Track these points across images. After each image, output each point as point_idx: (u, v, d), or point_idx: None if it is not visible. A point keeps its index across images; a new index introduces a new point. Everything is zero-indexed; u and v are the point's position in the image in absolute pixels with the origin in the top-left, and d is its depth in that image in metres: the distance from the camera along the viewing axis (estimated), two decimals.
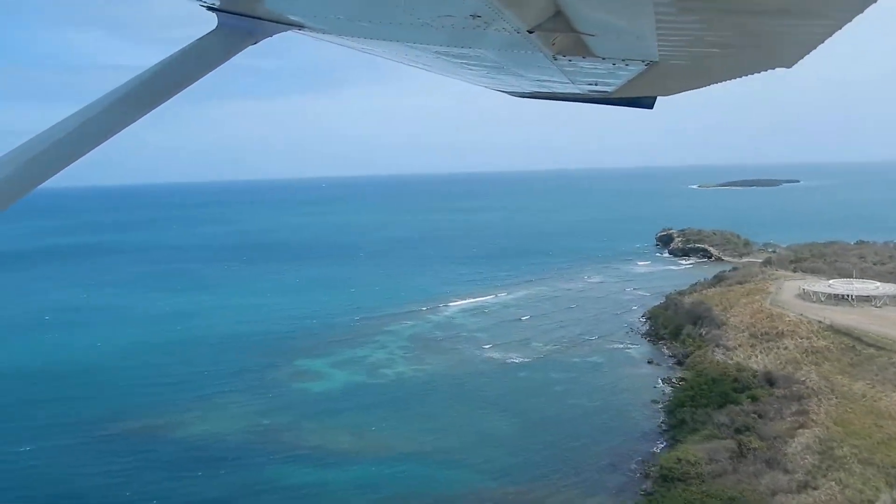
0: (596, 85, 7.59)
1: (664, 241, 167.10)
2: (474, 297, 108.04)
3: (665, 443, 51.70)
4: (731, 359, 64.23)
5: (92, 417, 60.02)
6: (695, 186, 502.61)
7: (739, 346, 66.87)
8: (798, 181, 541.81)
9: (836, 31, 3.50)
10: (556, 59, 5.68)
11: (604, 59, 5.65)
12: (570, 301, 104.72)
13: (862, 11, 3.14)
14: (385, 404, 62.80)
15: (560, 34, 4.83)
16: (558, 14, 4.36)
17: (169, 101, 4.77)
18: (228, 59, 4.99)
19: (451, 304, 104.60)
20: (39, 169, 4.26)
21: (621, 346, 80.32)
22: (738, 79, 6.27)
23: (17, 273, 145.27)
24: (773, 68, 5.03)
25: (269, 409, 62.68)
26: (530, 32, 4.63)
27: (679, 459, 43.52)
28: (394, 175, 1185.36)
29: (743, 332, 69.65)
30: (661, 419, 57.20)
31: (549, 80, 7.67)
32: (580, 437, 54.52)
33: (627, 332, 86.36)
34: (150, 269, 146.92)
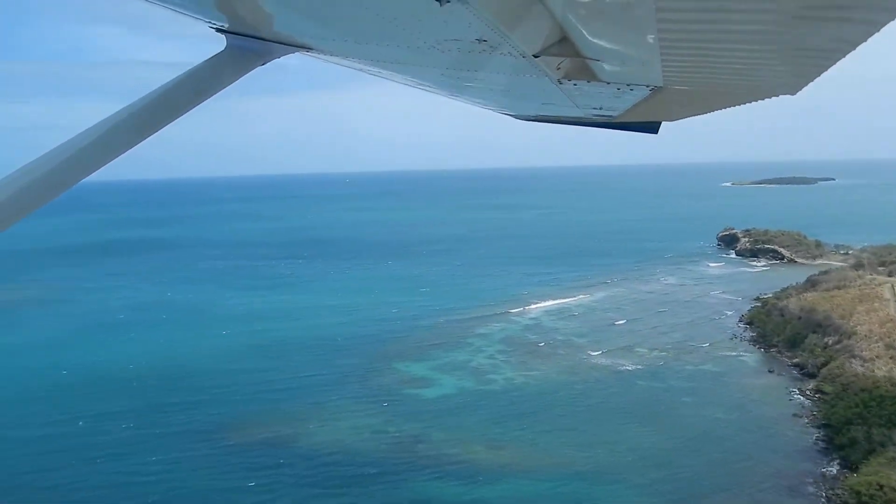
0: (601, 109, 7.63)
1: (727, 241, 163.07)
2: (554, 299, 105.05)
3: (837, 464, 48.57)
4: (872, 371, 60.92)
5: (212, 426, 57.80)
6: (727, 184, 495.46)
7: (877, 357, 63.45)
8: (833, 179, 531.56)
9: (842, 58, 3.40)
10: (561, 84, 5.74)
11: (608, 83, 5.67)
12: (656, 304, 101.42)
13: (865, 41, 3.07)
14: (513, 415, 60.06)
15: (565, 59, 4.82)
16: (564, 39, 4.40)
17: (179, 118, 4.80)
18: (237, 79, 5.05)
19: (532, 305, 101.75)
20: (45, 189, 4.28)
21: (732, 353, 77.09)
22: (741, 105, 6.23)
23: (78, 269, 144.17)
24: (777, 95, 4.90)
25: (390, 418, 60.18)
26: (536, 57, 4.67)
27: (881, 486, 40.38)
28: (415, 171, 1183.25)
29: (877, 342, 66.20)
30: (815, 435, 54.12)
31: (554, 104, 7.75)
32: (736, 453, 51.52)
33: (732, 339, 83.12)
34: (213, 265, 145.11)
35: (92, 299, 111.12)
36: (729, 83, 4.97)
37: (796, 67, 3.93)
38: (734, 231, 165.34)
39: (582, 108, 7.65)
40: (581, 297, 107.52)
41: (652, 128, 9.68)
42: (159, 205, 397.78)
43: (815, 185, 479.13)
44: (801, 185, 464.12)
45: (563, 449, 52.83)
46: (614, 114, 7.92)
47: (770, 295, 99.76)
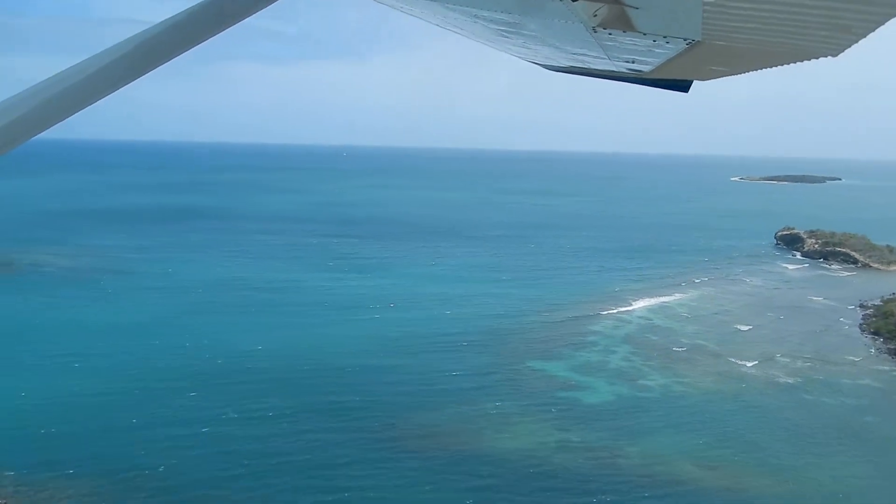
0: (633, 63, 7.36)
1: (787, 240, 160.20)
2: (650, 297, 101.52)
3: None
4: None
5: (386, 432, 53.85)
6: (736, 179, 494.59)
7: None
8: (840, 179, 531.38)
9: (886, 21, 3.40)
10: (595, 32, 5.56)
11: (645, 34, 5.45)
12: (762, 308, 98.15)
13: None
14: (694, 428, 56.55)
15: (603, 5, 4.74)
16: None
17: (183, 55, 4.71)
18: (253, 13, 4.94)
19: (632, 302, 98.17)
20: (49, 113, 4.20)
21: (886, 368, 74.10)
22: (778, 67, 5.94)
23: (125, 236, 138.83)
24: (818, 57, 4.73)
25: (566, 426, 56.47)
26: (574, 1, 4.55)
27: None
28: (419, 148, 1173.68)
29: None
30: None
31: (585, 55, 7.49)
32: None
33: (868, 349, 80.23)
34: (268, 240, 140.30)
35: (163, 273, 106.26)
36: (770, 41, 4.75)
37: (841, 27, 3.75)
38: (796, 231, 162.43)
39: (614, 60, 7.38)
40: (677, 296, 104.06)
41: (683, 86, 9.32)
42: (167, 169, 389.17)
43: (824, 184, 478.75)
44: (811, 184, 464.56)
45: (781, 473, 49.41)
46: (646, 68, 7.62)
47: (878, 302, 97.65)
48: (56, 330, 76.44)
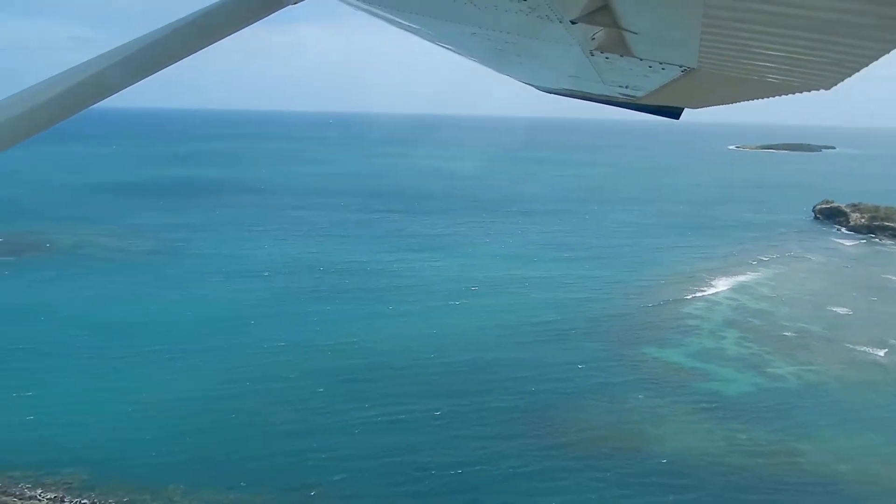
0: (627, 88, 7.46)
1: (827, 214, 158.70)
2: (726, 277, 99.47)
3: None
4: None
5: (533, 431, 51.42)
6: (733, 147, 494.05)
7: None
8: (834, 147, 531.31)
9: (882, 55, 3.40)
10: (592, 55, 5.59)
11: (641, 59, 5.49)
12: (845, 287, 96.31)
13: None
14: (865, 421, 54.73)
15: (602, 29, 4.80)
16: (605, 7, 4.37)
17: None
18: (263, 16, 4.94)
19: (711, 283, 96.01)
20: (55, 111, 4.20)
21: None
22: (770, 97, 6.08)
23: (170, 213, 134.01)
24: (810, 90, 4.83)
25: (716, 419, 54.43)
26: (573, 23, 4.58)
27: None
28: (404, 114, 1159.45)
29: None
30: None
31: (580, 78, 7.53)
32: None
33: None
34: (317, 216, 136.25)
35: (220, 255, 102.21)
36: (764, 73, 4.79)
37: (836, 62, 3.77)
38: (836, 204, 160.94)
39: (608, 84, 7.41)
40: (751, 275, 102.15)
41: (674, 113, 9.41)
42: (166, 139, 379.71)
43: (821, 152, 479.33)
44: (809, 153, 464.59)
45: None
46: (640, 94, 7.66)
47: None
48: (139, 324, 72.64)
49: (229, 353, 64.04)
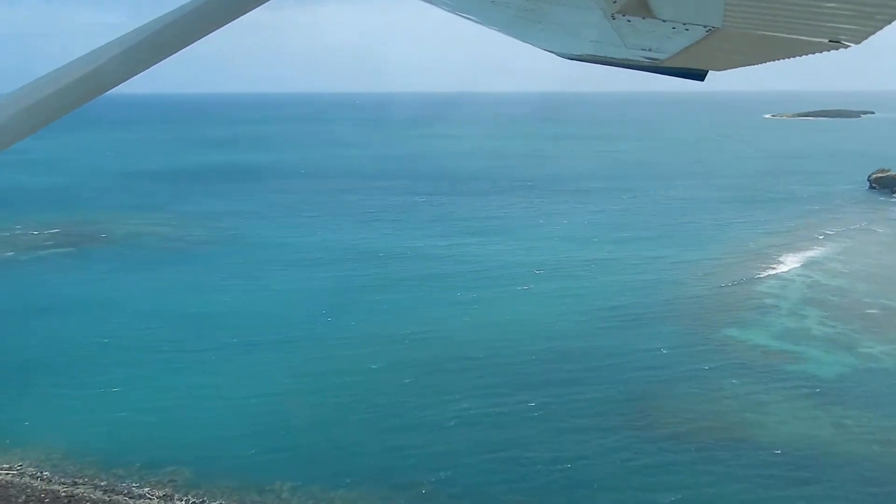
0: (650, 50, 7.27)
1: (884, 183, 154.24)
2: (793, 252, 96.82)
3: None
4: None
5: (638, 423, 50.07)
6: (768, 116, 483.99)
7: None
8: (873, 112, 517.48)
9: None
10: (614, 19, 5.53)
11: (664, 21, 5.43)
12: None
13: None
14: None
15: None
16: None
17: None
18: (242, 14, 4.83)
19: (779, 259, 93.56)
20: (53, 108, 4.18)
21: None
22: (797, 56, 5.85)
23: (219, 200, 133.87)
24: (837, 48, 4.62)
25: (818, 404, 52.61)
26: None
27: None
28: (426, 93, 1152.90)
29: None
30: None
31: (602, 42, 7.38)
32: None
33: None
34: (374, 202, 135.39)
35: (282, 242, 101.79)
36: (791, 29, 4.68)
37: (865, 14, 3.71)
38: (892, 173, 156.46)
39: (630, 48, 7.24)
40: (819, 249, 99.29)
41: (699, 75, 9.18)
42: (199, 123, 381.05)
43: (860, 118, 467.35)
44: (847, 119, 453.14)
45: None
46: (663, 56, 7.43)
47: None
48: (211, 315, 72.27)
49: (308, 345, 63.42)
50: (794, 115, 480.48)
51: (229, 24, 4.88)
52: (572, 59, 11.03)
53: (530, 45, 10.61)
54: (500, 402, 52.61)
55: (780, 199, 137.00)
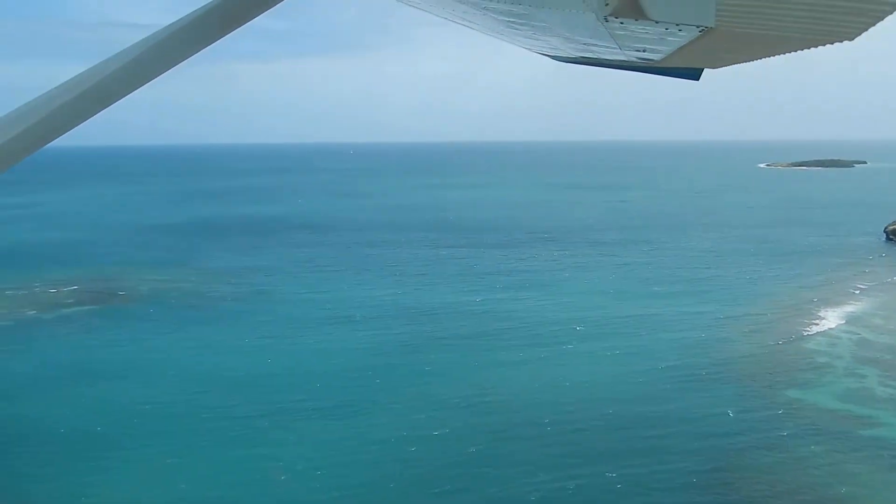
0: (644, 52, 7.32)
1: None
2: (832, 308, 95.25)
3: None
4: None
5: (741, 497, 47.70)
6: (763, 165, 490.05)
7: None
8: (865, 162, 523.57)
9: None
10: (607, 21, 5.58)
11: (657, 22, 5.44)
12: None
13: None
14: None
15: None
16: None
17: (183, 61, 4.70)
18: (256, 15, 4.87)
19: (820, 315, 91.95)
20: (51, 127, 4.17)
21: None
22: (792, 53, 5.97)
23: (245, 258, 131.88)
24: (833, 42, 4.72)
25: None
26: None
27: None
28: (428, 143, 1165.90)
29: None
30: None
31: (596, 45, 7.43)
32: None
33: None
34: (397, 255, 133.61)
35: (323, 300, 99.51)
36: (784, 27, 4.77)
37: (857, 11, 3.75)
38: None
39: (625, 49, 7.30)
40: (857, 304, 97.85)
41: (694, 74, 9.33)
42: (201, 175, 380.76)
43: (853, 168, 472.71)
44: (842, 169, 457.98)
45: None
46: (657, 57, 7.58)
47: None
48: (254, 378, 69.93)
49: (362, 410, 61.02)
50: (788, 165, 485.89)
51: (211, 45, 4.78)
52: (566, 61, 10.96)
53: (524, 50, 10.46)
54: (578, 473, 50.18)
55: (802, 252, 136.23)
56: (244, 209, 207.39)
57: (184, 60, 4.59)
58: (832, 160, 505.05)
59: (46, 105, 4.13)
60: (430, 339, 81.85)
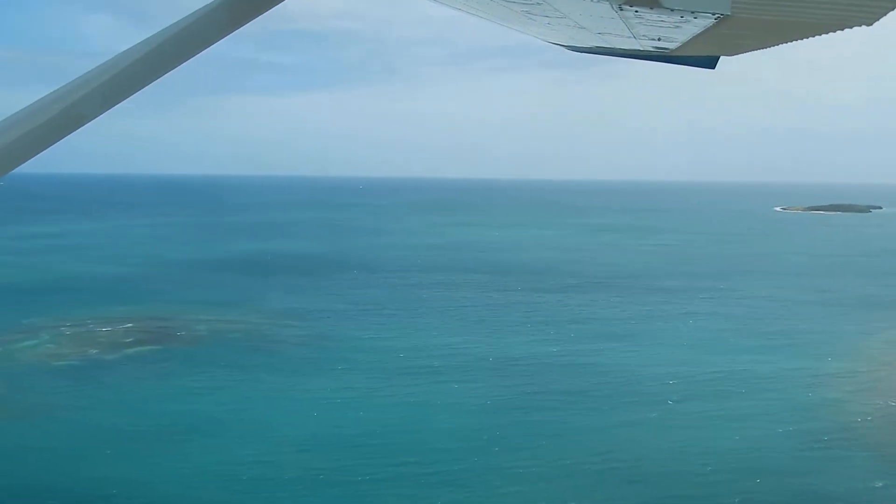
0: (659, 40, 7.28)
1: None
2: None
3: None
4: None
5: None
6: (779, 209, 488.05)
7: None
8: (880, 207, 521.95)
9: None
10: (622, 10, 5.53)
11: (672, 10, 5.39)
12: None
13: None
14: None
15: None
16: None
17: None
18: (264, 11, 4.89)
19: None
20: (38, 140, 4.12)
21: None
22: (810, 38, 5.85)
23: (300, 298, 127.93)
24: (852, 27, 4.64)
25: None
26: None
27: None
28: (435, 178, 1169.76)
29: None
30: None
31: (611, 34, 7.48)
32: None
33: None
34: (457, 299, 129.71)
35: (406, 346, 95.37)
36: (801, 11, 4.65)
37: None
38: None
39: (640, 38, 7.29)
40: None
41: (710, 62, 9.18)
42: (234, 208, 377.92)
43: (870, 213, 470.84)
44: (858, 214, 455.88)
45: None
46: (673, 45, 7.56)
47: None
48: (363, 437, 65.89)
49: (490, 478, 56.71)
50: (805, 209, 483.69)
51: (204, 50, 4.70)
52: (580, 51, 10.79)
53: (536, 39, 10.34)
54: None
55: (868, 303, 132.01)
56: (278, 245, 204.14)
57: (188, 59, 4.50)
58: (848, 205, 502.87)
59: (49, 107, 4.05)
60: (525, 395, 77.69)
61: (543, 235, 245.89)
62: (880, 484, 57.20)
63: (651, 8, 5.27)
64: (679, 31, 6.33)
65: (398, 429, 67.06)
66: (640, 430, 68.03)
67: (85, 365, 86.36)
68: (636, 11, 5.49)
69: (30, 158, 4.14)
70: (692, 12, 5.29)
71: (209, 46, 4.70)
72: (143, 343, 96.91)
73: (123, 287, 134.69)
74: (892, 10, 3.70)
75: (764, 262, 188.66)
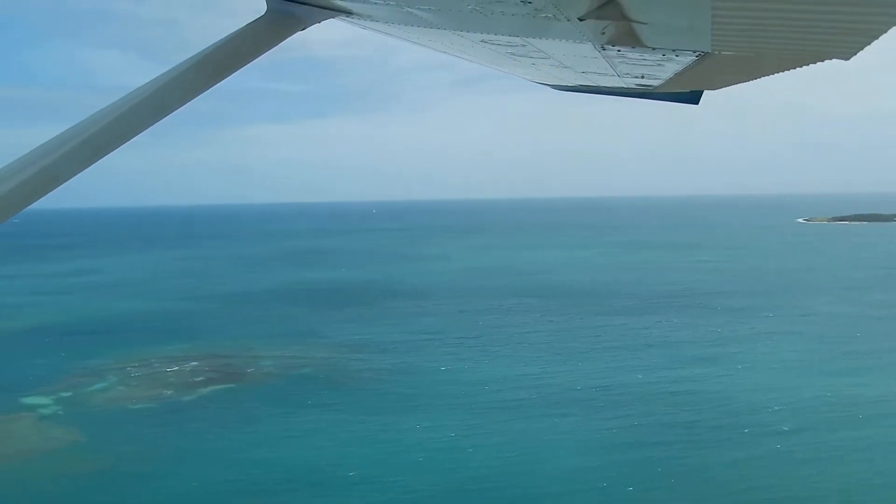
0: (642, 78, 7.45)
1: None
2: None
3: None
4: None
5: None
6: (802, 220, 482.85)
7: None
8: None
9: None
10: (604, 50, 5.49)
11: (654, 49, 5.35)
12: None
13: None
14: None
15: (611, 22, 4.67)
16: (610, 1, 4.28)
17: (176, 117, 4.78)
18: (276, 44, 4.95)
19: None
20: (86, 154, 4.21)
21: None
22: (789, 70, 5.81)
23: (365, 329, 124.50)
24: (830, 59, 4.63)
25: None
26: (581, 20, 4.52)
27: None
28: (436, 201, 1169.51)
29: None
30: None
31: (595, 73, 7.61)
32: None
33: None
34: (523, 325, 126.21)
35: (472, 379, 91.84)
36: (780, 47, 4.66)
37: (851, 30, 3.70)
38: None
39: (623, 76, 7.38)
40: None
41: (693, 98, 9.09)
42: (270, 236, 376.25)
43: (893, 222, 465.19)
44: (883, 223, 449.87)
45: None
46: (656, 83, 7.62)
47: None
48: (485, 479, 62.23)
49: None
50: (829, 220, 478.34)
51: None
52: (566, 90, 10.92)
53: (523, 79, 10.31)
54: None
55: None
56: (320, 274, 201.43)
57: (179, 107, 4.50)
58: (872, 214, 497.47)
59: (69, 140, 4.13)
60: (631, 429, 73.97)
61: (578, 256, 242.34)
62: None
63: (633, 47, 5.25)
64: (661, 68, 6.41)
65: (511, 471, 63.49)
66: (772, 463, 64.20)
67: (163, 408, 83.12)
68: (618, 51, 5.48)
69: (50, 192, 4.10)
70: (673, 51, 5.35)
71: (250, 62, 4.69)
72: (214, 382, 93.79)
73: (175, 324, 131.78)
74: (868, 44, 3.64)
75: (812, 276, 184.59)
